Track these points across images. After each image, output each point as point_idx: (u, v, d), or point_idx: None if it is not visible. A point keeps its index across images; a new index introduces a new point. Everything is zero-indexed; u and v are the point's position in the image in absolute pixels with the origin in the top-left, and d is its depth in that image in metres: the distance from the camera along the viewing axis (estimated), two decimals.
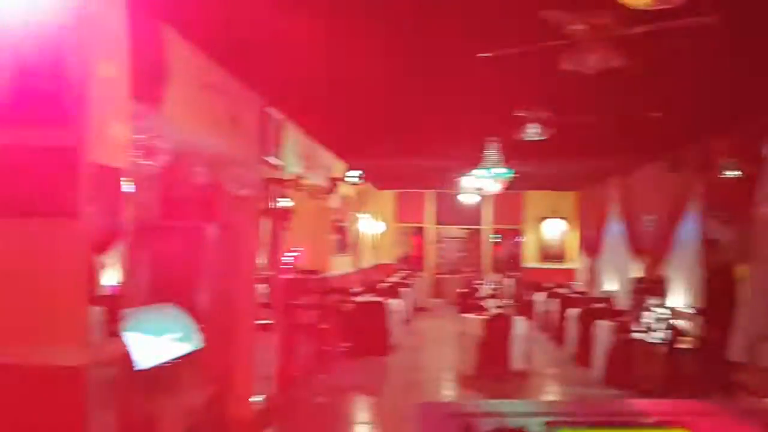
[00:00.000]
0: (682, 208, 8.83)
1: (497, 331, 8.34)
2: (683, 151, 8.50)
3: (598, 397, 4.33)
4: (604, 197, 12.81)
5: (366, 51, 4.84)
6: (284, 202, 6.84)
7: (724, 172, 7.31)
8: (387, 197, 16.52)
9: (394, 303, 10.73)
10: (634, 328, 7.72)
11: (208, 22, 4.31)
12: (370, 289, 11.98)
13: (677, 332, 7.73)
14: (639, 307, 7.71)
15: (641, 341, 7.68)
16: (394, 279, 15.55)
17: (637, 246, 10.77)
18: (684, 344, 7.55)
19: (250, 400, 5.93)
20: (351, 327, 9.44)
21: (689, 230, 8.64)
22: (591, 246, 13.56)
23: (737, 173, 7.15)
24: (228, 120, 5.41)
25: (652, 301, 7.66)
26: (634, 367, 7.73)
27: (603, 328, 7.69)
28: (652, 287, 7.69)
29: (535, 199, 15.86)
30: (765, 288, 6.64)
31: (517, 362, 8.50)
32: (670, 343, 7.63)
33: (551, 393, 7.66)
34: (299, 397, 7.09)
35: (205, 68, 4.90)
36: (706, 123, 7.33)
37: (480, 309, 9.36)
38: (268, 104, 6.45)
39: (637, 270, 10.23)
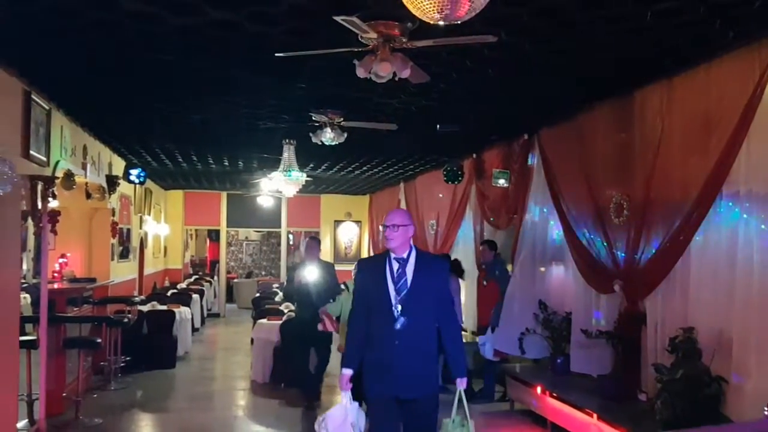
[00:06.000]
0: (461, 212, 9.61)
1: (295, 335, 8.25)
2: (461, 159, 9.25)
3: None
4: (392, 201, 13.46)
5: (154, 34, 4.41)
6: (51, 202, 6.04)
7: (495, 181, 8.08)
8: (175, 198, 15.60)
9: (182, 310, 10.14)
10: None
11: None
12: (156, 296, 11.25)
13: None
14: None
15: None
16: (183, 285, 14.80)
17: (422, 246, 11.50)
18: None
19: (17, 426, 5.25)
20: (134, 339, 8.72)
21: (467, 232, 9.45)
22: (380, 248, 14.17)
23: (505, 183, 7.95)
24: None
25: None
26: None
27: None
28: None
29: (330, 202, 16.15)
30: (526, 287, 7.38)
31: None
32: None
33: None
34: (70, 421, 6.36)
35: None
36: (482, 135, 8.05)
37: (277, 314, 9.21)
38: (33, 89, 5.66)
39: None
